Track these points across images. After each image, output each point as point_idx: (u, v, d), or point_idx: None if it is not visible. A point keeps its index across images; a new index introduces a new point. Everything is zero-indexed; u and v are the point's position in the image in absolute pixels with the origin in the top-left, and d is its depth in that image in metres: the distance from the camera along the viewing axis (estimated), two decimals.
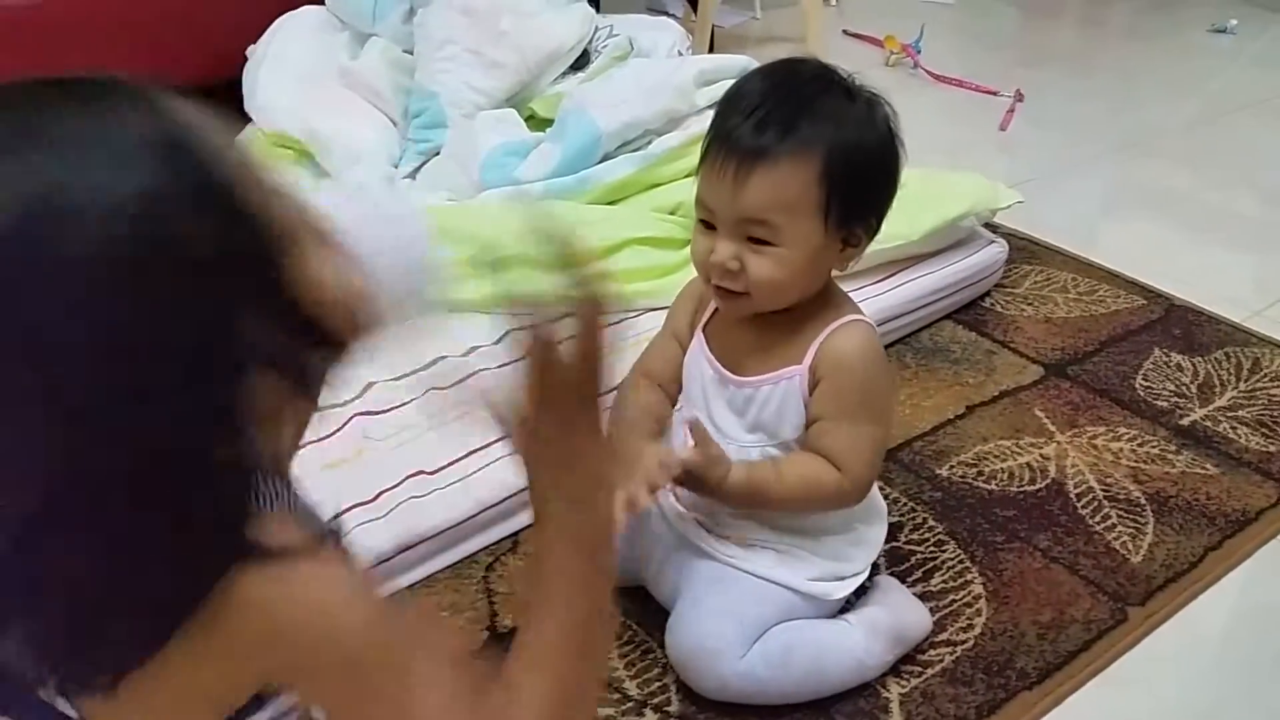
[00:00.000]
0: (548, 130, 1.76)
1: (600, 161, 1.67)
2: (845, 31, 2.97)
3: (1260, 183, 2.22)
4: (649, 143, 1.69)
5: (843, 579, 1.03)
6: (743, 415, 1.00)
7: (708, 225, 0.94)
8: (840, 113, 0.91)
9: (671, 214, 1.63)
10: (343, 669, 0.53)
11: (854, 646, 1.01)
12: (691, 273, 1.53)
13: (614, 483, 0.72)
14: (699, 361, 1.03)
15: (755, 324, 0.99)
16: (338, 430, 1.29)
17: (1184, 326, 1.63)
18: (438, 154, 1.77)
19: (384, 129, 1.79)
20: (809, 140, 0.89)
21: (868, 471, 0.97)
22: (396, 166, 1.76)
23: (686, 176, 1.69)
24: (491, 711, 0.57)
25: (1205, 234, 1.98)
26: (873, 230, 0.97)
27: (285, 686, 0.56)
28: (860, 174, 0.92)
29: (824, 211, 0.91)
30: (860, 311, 1.00)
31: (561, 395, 0.59)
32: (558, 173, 1.65)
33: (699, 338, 1.04)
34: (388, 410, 1.33)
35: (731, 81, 1.81)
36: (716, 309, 1.03)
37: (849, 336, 0.97)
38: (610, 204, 1.65)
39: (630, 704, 1.01)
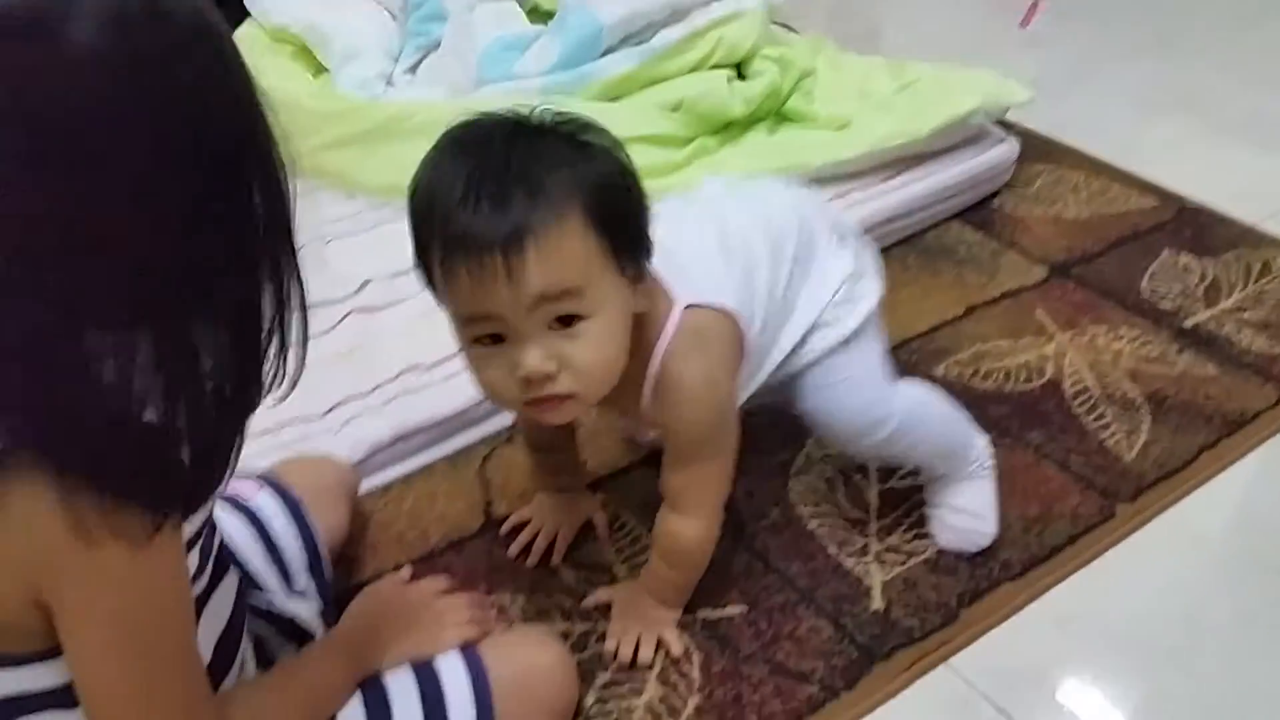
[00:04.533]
0: (548, 24, 1.72)
1: (601, 56, 1.63)
2: None
3: None
4: (652, 36, 1.65)
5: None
6: None
7: (491, 340, 0.78)
8: (565, 152, 0.77)
9: (674, 111, 1.60)
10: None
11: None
12: (692, 178, 1.51)
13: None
14: None
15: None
16: (334, 326, 1.30)
17: (1195, 228, 1.59)
18: (438, 48, 1.74)
19: (384, 23, 1.75)
20: (559, 190, 0.75)
21: (717, 505, 0.94)
22: (396, 61, 1.73)
23: (691, 71, 1.65)
24: None
25: (1228, 135, 1.92)
26: (645, 257, 0.82)
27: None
28: (620, 203, 0.79)
29: (613, 254, 0.78)
30: (661, 298, 0.86)
31: None
32: (557, 68, 1.62)
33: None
34: (384, 307, 1.34)
35: None
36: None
37: (674, 385, 0.86)
38: (611, 100, 1.62)
39: None
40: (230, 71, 0.54)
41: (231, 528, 0.85)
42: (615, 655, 0.96)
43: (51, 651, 0.58)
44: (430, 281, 0.79)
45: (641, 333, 0.84)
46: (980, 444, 1.07)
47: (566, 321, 0.76)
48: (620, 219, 0.78)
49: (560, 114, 0.80)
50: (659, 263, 0.84)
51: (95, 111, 0.48)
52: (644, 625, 0.97)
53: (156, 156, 0.50)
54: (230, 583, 0.71)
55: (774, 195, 1.04)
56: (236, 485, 0.89)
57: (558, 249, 0.74)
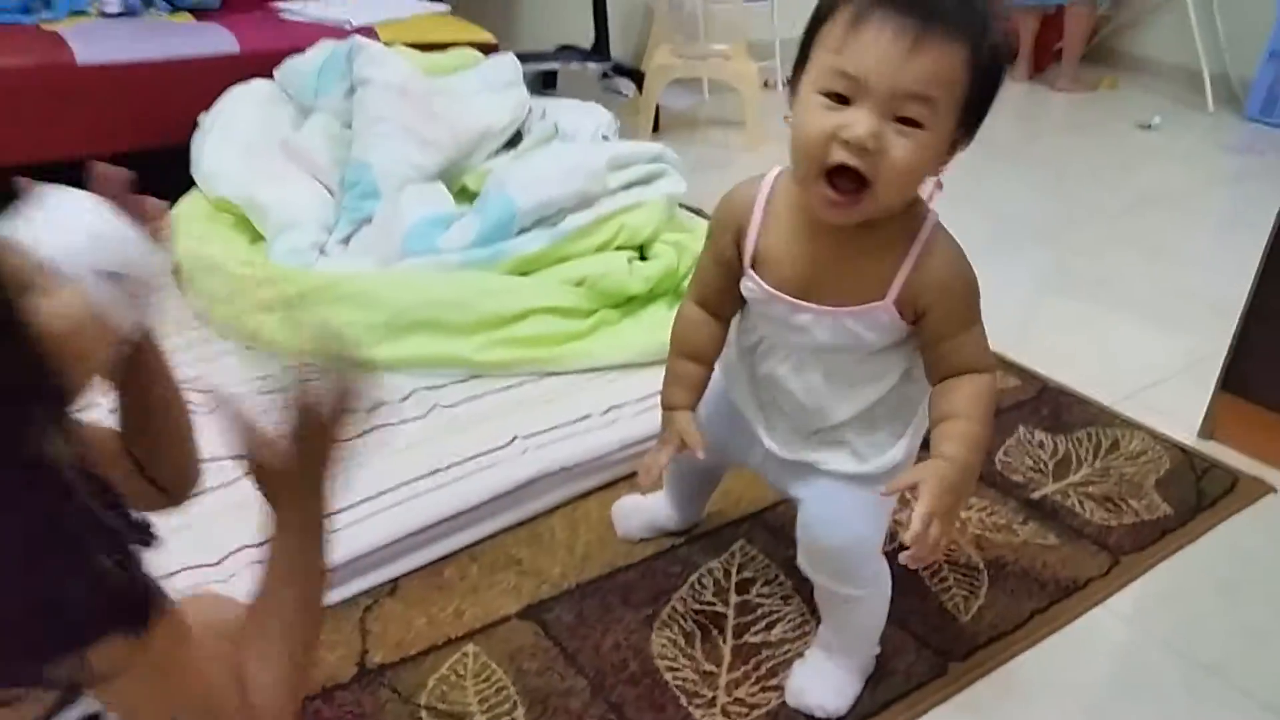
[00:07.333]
0: (473, 203, 1.89)
1: (516, 235, 1.80)
2: (785, 118, 3.13)
3: (1164, 273, 2.35)
4: (562, 219, 1.82)
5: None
6: (811, 333, 1.03)
7: (836, 99, 0.88)
8: (984, 10, 0.89)
9: (578, 285, 1.75)
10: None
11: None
12: (593, 348, 1.65)
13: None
14: (764, 302, 1.03)
15: (824, 243, 0.98)
16: (235, 480, 1.38)
17: (1053, 406, 1.74)
18: (370, 222, 1.89)
19: (320, 198, 1.91)
20: (969, 22, 0.87)
21: (993, 358, 1.03)
22: (330, 232, 1.89)
23: (596, 251, 1.82)
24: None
25: (1101, 319, 2.09)
26: (970, 138, 0.94)
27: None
28: (994, 72, 0.90)
29: (963, 101, 0.89)
30: (927, 209, 0.99)
31: (312, 438, 0.75)
32: (476, 244, 1.77)
33: (752, 276, 1.03)
34: None
35: (641, 166, 1.96)
36: (760, 235, 1.02)
37: (939, 259, 0.98)
38: (522, 274, 1.77)
39: None
40: None
41: None
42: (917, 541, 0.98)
43: None
44: (815, 35, 0.90)
45: (910, 214, 0.97)
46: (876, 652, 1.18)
47: (905, 120, 0.87)
48: (988, 80, 0.89)
49: None
50: None
51: None
52: (952, 519, 1.00)
53: None
54: None
55: None
56: None
57: (945, 59, 0.85)
